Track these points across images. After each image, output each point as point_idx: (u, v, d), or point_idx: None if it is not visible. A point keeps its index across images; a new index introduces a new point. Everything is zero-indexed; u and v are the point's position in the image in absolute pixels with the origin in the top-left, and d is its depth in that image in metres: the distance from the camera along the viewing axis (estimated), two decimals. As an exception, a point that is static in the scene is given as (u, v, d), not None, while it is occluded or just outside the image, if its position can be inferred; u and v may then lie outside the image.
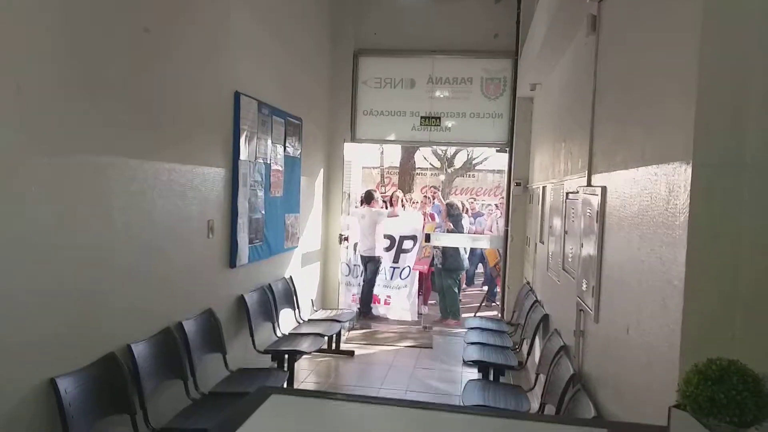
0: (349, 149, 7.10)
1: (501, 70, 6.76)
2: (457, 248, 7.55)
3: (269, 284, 4.94)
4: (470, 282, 10.32)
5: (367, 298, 7.38)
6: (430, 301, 8.24)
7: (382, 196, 8.81)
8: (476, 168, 18.11)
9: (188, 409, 3.30)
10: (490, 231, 9.22)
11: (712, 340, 1.58)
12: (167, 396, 3.28)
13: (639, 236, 2.12)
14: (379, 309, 7.49)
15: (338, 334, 5.84)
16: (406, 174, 16.08)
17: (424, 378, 5.28)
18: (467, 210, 9.56)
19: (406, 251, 7.52)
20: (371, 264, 7.32)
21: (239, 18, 4.30)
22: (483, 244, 7.99)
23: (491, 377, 4.25)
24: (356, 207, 7.46)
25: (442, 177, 17.34)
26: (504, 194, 7.38)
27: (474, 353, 4.44)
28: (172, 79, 3.37)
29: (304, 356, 5.38)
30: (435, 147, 17.14)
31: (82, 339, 2.66)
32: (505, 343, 4.84)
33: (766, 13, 1.58)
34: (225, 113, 4.11)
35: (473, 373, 4.59)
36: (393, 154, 16.81)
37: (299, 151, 5.64)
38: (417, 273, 7.59)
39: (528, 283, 5.82)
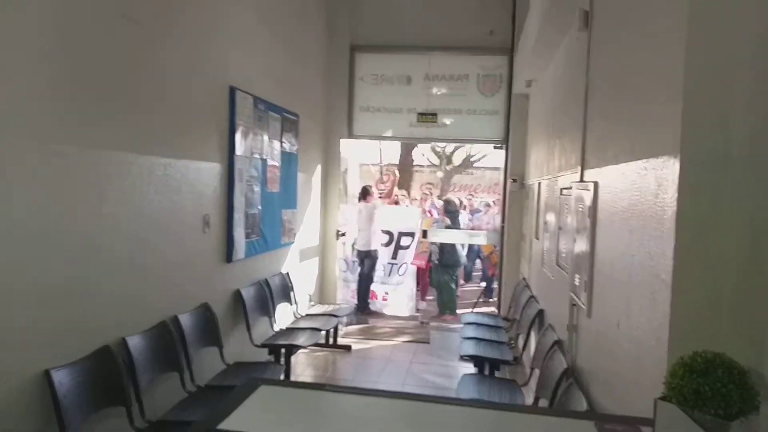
0: (347, 146, 7.11)
1: (497, 66, 6.77)
2: (454, 244, 7.56)
3: (266, 279, 4.96)
4: (468, 278, 10.34)
5: (364, 293, 7.40)
6: (427, 297, 8.26)
7: (379, 192, 8.81)
8: (475, 165, 18.10)
9: (184, 401, 3.31)
10: (487, 227, 9.21)
11: (699, 333, 1.60)
12: (163, 389, 3.30)
13: (629, 231, 2.13)
14: (376, 305, 7.51)
15: (335, 329, 5.86)
16: (405, 171, 16.06)
17: (421, 372, 5.30)
18: (465, 206, 9.57)
19: (404, 248, 7.53)
20: (368, 259, 7.33)
21: (234, 13, 4.31)
22: (480, 240, 8.01)
23: (487, 372, 4.27)
24: (354, 204, 7.46)
25: (440, 174, 17.33)
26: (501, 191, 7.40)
27: (470, 348, 4.46)
28: (165, 73, 3.38)
29: (302, 350, 5.40)
30: (434, 144, 17.17)
31: (76, 331, 2.67)
32: (500, 338, 4.86)
33: (753, 11, 1.59)
34: (220, 108, 4.12)
35: (469, 368, 4.61)
36: (392, 152, 16.80)
37: (296, 147, 5.65)
38: (415, 268, 7.60)
39: (524, 279, 5.84)
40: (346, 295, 7.18)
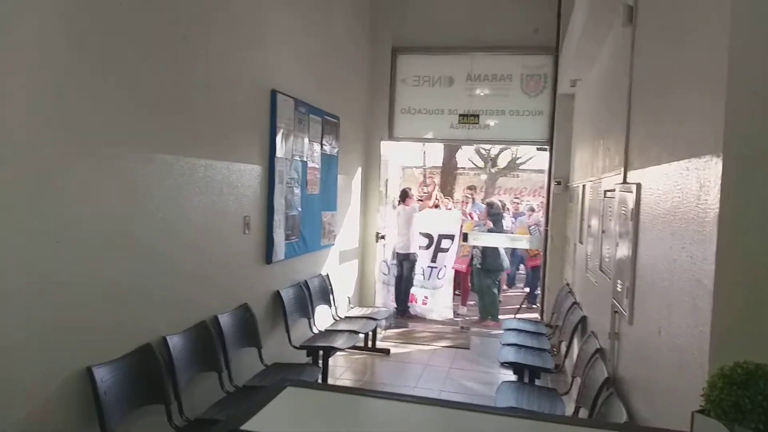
0: (389, 148, 7.10)
1: (541, 66, 6.64)
2: (497, 248, 7.44)
3: (305, 281, 4.99)
4: (511, 283, 10.16)
5: (404, 296, 7.37)
6: (469, 302, 8.15)
7: (420, 194, 8.77)
8: (520, 168, 17.82)
9: (222, 401, 3.36)
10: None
11: (743, 342, 1.51)
12: (202, 388, 3.35)
13: (671, 234, 2.04)
14: (416, 308, 7.46)
15: (374, 332, 5.85)
16: (449, 174, 15.96)
17: (460, 378, 5.23)
18: (508, 209, 9.42)
19: (444, 250, 7.47)
20: (406, 262, 7.30)
21: (276, 17, 4.36)
22: (522, 244, 7.85)
23: (526, 379, 4.17)
24: (393, 207, 7.44)
25: (484, 177, 17.13)
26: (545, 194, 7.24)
27: (510, 355, 4.37)
28: (208, 77, 3.45)
29: (340, 353, 5.41)
30: (478, 146, 16.99)
31: (118, 330, 2.74)
32: (542, 345, 4.74)
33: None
34: (261, 111, 4.18)
35: (510, 375, 4.52)
36: (435, 154, 16.73)
37: (336, 149, 5.68)
38: (453, 272, 7.52)
39: (568, 284, 5.69)
40: (386, 299, 7.16)
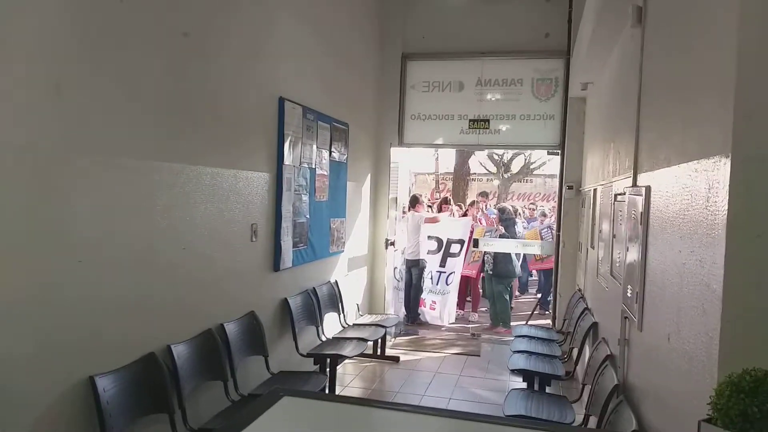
0: (400, 154, 7.06)
1: (552, 70, 6.57)
2: (509, 254, 7.36)
3: (314, 288, 4.97)
4: (523, 290, 10.05)
5: (414, 303, 7.32)
6: (480, 308, 8.07)
7: (431, 201, 8.72)
8: (534, 173, 17.71)
9: (227, 410, 3.33)
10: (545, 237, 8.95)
11: (753, 348, 1.45)
12: (207, 397, 3.33)
13: (680, 237, 1.98)
14: (424, 314, 7.41)
15: (383, 339, 5.80)
16: (461, 180, 15.89)
17: (470, 386, 5.16)
18: (520, 215, 9.33)
19: (453, 255, 7.41)
20: (416, 269, 7.25)
21: (284, 24, 4.36)
22: (534, 249, 7.76)
23: (536, 387, 4.10)
24: (403, 214, 7.40)
25: (497, 182, 17.03)
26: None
27: (520, 362, 4.31)
28: (214, 84, 3.44)
29: (349, 361, 5.38)
30: (491, 152, 16.91)
31: (122, 339, 2.73)
32: (553, 352, 4.67)
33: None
34: (269, 118, 4.17)
35: (521, 383, 4.44)
36: (448, 160, 16.67)
37: (345, 156, 5.66)
38: (459, 277, 7.46)
39: (579, 290, 5.61)
40: (398, 307, 7.10)
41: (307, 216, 4.79)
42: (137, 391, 2.72)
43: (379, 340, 5.71)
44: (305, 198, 4.74)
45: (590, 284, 4.81)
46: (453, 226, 7.64)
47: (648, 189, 2.57)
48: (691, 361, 1.77)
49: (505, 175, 17.51)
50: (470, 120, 6.78)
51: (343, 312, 5.44)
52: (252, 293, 3.99)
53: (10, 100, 2.12)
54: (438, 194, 14.42)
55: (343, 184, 5.64)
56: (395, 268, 7.09)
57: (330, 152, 5.25)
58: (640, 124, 2.91)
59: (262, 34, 4.04)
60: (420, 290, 7.33)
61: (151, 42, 2.88)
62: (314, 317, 4.78)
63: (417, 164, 14.34)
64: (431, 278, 7.42)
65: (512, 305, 7.78)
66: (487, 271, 7.48)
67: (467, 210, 8.74)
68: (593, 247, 4.71)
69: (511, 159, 17.46)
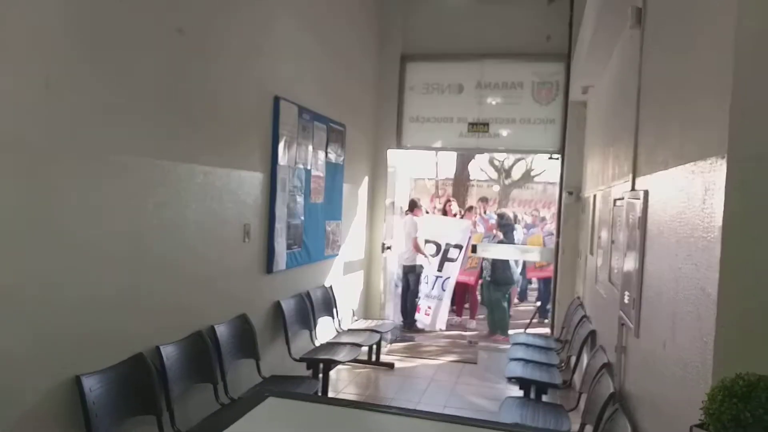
0: (399, 158, 7.01)
1: (553, 73, 6.52)
2: (507, 260, 7.30)
3: (308, 291, 4.91)
4: (523, 297, 9.97)
5: (411, 309, 7.25)
6: (478, 316, 7.99)
7: (431, 206, 8.66)
8: (534, 179, 17.66)
9: (217, 413, 3.27)
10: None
11: (748, 354, 1.40)
12: (196, 400, 3.27)
13: (676, 241, 1.93)
14: (420, 319, 7.35)
15: (378, 345, 5.72)
16: (461, 185, 15.83)
17: (465, 394, 5.09)
18: (519, 221, 9.27)
19: (451, 260, 7.34)
20: (412, 275, 7.19)
21: (281, 23, 4.32)
22: (533, 256, 7.70)
23: (533, 395, 4.03)
24: (402, 213, 7.34)
25: (497, 188, 16.98)
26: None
27: (516, 370, 4.24)
28: (209, 81, 3.41)
29: (343, 366, 5.31)
30: (492, 158, 16.86)
31: (110, 339, 2.68)
32: (551, 360, 4.60)
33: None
34: (263, 118, 4.12)
35: (518, 391, 4.37)
36: (448, 166, 16.63)
37: (342, 158, 5.61)
38: (454, 283, 7.41)
39: (578, 297, 5.54)
40: (396, 313, 7.03)
41: (302, 218, 4.74)
42: (124, 391, 2.67)
43: (374, 346, 5.63)
44: (300, 199, 4.69)
45: (589, 291, 4.75)
46: (452, 228, 7.57)
47: (646, 193, 2.52)
48: (685, 368, 1.71)
49: (506, 182, 17.47)
50: (469, 123, 6.72)
51: (337, 316, 5.37)
52: (244, 295, 3.93)
53: (2, 96, 2.09)
54: (438, 199, 14.36)
55: (339, 187, 5.59)
56: (395, 273, 7.02)
57: (326, 153, 5.21)
58: (639, 127, 2.86)
59: (259, 32, 4.00)
60: (417, 296, 7.26)
61: (146, 39, 2.85)
62: (308, 321, 4.72)
63: (417, 169, 14.26)
64: (427, 282, 7.35)
65: (511, 313, 7.71)
66: (485, 277, 7.41)
67: (464, 214, 8.66)
68: (593, 254, 4.65)
69: (512, 165, 17.42)
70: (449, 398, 4.96)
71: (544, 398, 4.03)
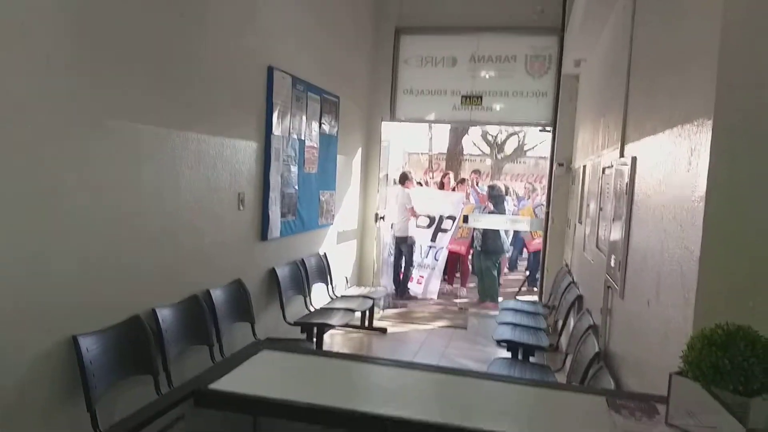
0: (393, 131, 7.01)
1: (546, 47, 6.52)
2: (498, 231, 7.40)
3: (302, 259, 4.97)
4: (513, 267, 10.11)
5: (404, 279, 7.35)
6: (469, 284, 8.12)
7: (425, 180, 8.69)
8: (527, 154, 17.70)
9: (211, 368, 3.33)
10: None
11: (729, 310, 1.46)
12: (193, 360, 3.34)
13: (663, 204, 2.00)
14: (413, 288, 7.46)
15: (371, 311, 5.84)
16: (454, 159, 15.86)
17: (455, 356, 5.21)
18: (509, 193, 9.34)
19: (445, 231, 7.43)
20: (404, 246, 7.27)
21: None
22: (522, 226, 7.80)
23: (520, 357, 4.14)
24: (394, 183, 7.39)
25: (489, 162, 17.02)
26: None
27: (505, 333, 4.35)
28: (203, 51, 3.39)
29: (337, 331, 5.40)
30: (485, 132, 16.86)
31: (107, 302, 2.73)
32: (538, 324, 4.72)
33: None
34: (257, 87, 4.12)
35: (506, 353, 4.49)
36: (441, 140, 16.61)
37: (336, 129, 5.62)
38: (446, 252, 7.51)
39: (566, 265, 5.65)
40: (389, 282, 7.12)
41: (296, 187, 4.77)
42: (121, 352, 2.72)
43: (367, 312, 5.74)
44: (294, 169, 4.72)
45: (577, 259, 4.84)
46: (445, 200, 7.65)
47: (634, 159, 2.58)
48: (668, 324, 1.79)
49: (499, 156, 17.50)
50: (463, 96, 6.72)
51: (331, 283, 5.45)
52: (239, 261, 3.99)
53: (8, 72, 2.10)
54: (431, 173, 14.39)
55: (333, 157, 5.61)
56: (388, 244, 7.09)
57: (320, 124, 5.22)
58: (629, 96, 2.91)
59: (253, 2, 3.97)
60: (410, 266, 7.36)
61: (141, 8, 2.84)
62: (302, 287, 4.79)
63: (410, 143, 14.25)
64: (421, 252, 7.44)
65: (501, 282, 7.84)
66: (476, 247, 7.51)
67: (455, 187, 8.72)
68: (581, 223, 4.73)
69: (505, 140, 17.43)
70: (440, 360, 5.08)
71: (532, 360, 4.14)
